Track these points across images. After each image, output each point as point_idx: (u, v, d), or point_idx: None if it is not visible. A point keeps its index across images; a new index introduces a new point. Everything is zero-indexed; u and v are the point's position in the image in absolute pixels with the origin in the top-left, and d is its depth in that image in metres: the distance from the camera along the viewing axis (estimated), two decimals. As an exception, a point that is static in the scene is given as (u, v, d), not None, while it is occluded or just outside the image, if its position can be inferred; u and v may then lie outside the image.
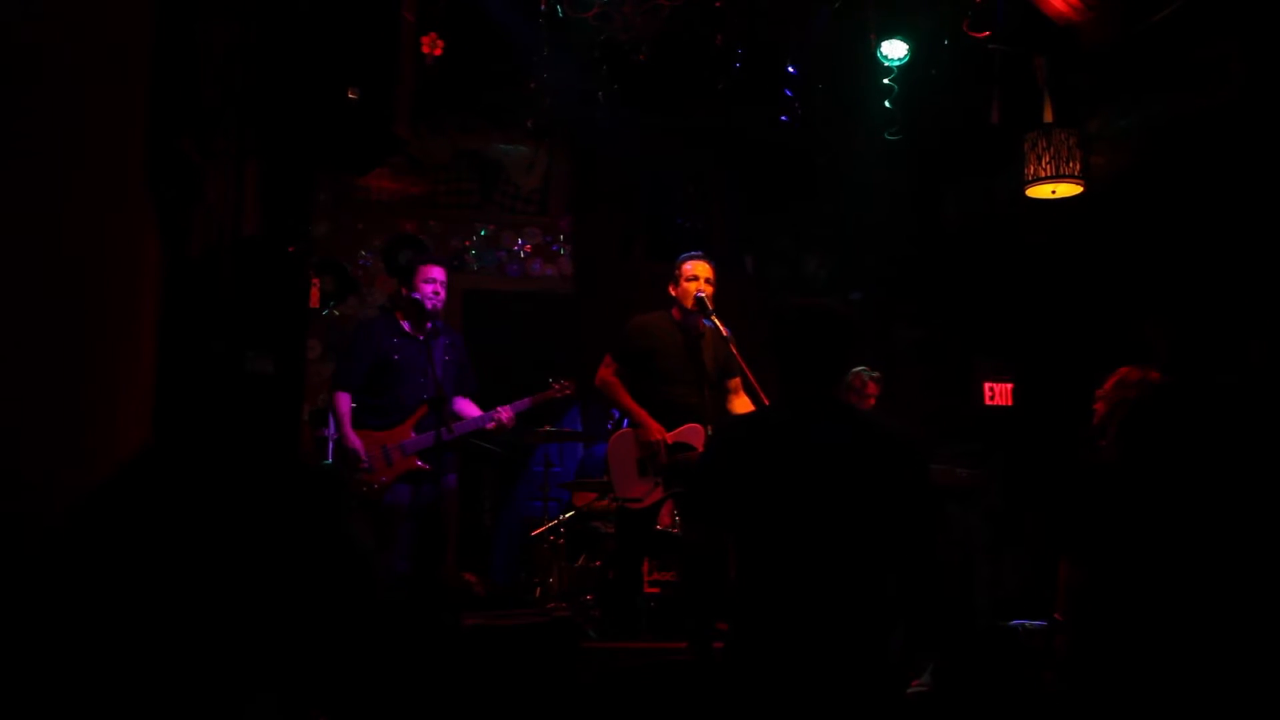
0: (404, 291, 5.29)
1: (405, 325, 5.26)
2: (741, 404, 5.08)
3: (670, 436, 4.92)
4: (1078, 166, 5.55)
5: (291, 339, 3.11)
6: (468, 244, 8.03)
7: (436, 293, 5.22)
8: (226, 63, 2.89)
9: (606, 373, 5.03)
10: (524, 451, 7.12)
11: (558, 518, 5.99)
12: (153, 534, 1.36)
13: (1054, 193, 5.68)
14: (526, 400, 5.38)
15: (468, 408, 5.39)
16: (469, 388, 5.45)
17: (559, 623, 3.87)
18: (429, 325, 5.26)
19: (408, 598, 4.54)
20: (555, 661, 3.74)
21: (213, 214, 2.79)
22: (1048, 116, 5.68)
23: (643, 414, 4.91)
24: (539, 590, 5.86)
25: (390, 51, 3.09)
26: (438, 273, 5.26)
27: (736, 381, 5.10)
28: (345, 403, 5.15)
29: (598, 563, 5.65)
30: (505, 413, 5.28)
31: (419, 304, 5.18)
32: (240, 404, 2.68)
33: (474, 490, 7.21)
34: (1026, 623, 4.07)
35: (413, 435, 5.12)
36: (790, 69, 6.83)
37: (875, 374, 6.06)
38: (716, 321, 4.91)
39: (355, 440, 5.04)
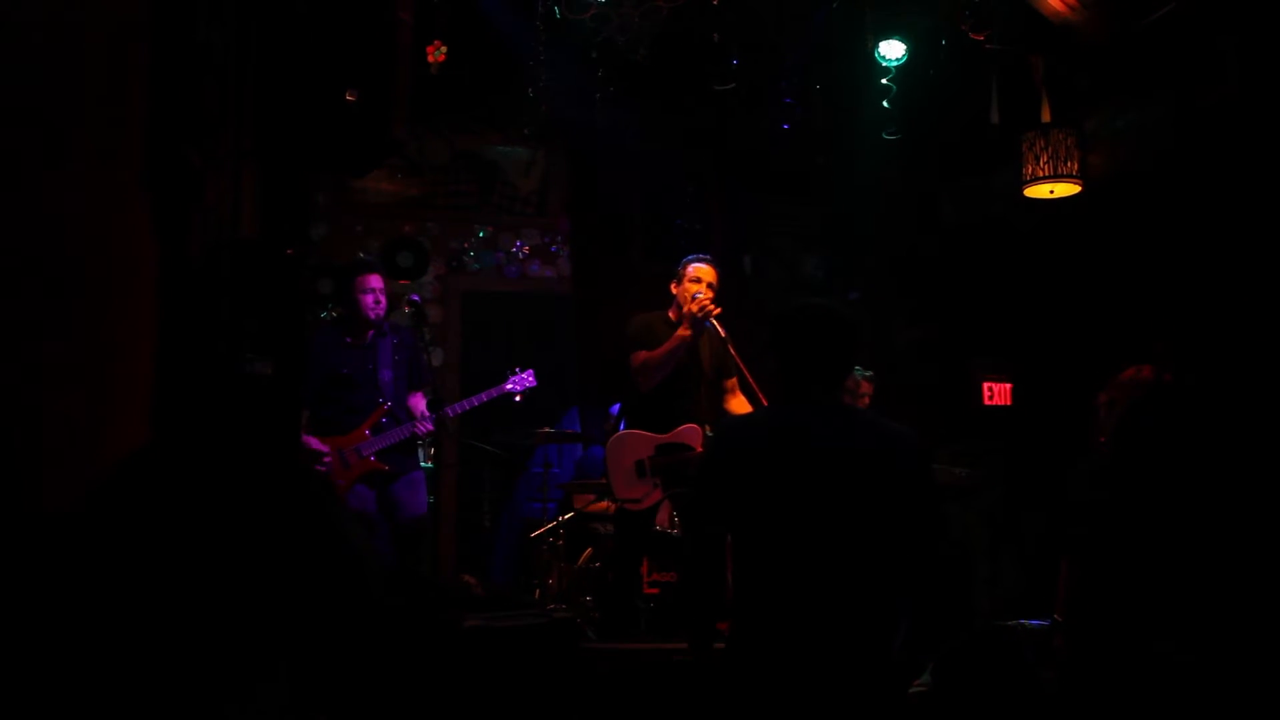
0: (344, 307, 5.25)
1: (348, 338, 5.24)
2: (738, 403, 5.09)
3: (668, 437, 4.93)
4: (1075, 166, 5.56)
5: (290, 341, 3.11)
6: (466, 245, 8.03)
7: (377, 301, 5.20)
8: (225, 65, 2.89)
9: (638, 357, 4.95)
10: (523, 453, 7.12)
11: (557, 519, 5.99)
12: (151, 533, 1.36)
13: (1052, 192, 5.69)
14: (477, 397, 5.34)
15: (419, 404, 5.38)
16: (423, 381, 5.42)
17: (559, 624, 3.86)
18: (371, 332, 5.26)
19: (404, 598, 4.54)
20: (555, 662, 3.74)
21: (211, 216, 2.79)
22: (1045, 116, 5.68)
23: (670, 340, 4.84)
24: (539, 591, 5.85)
25: (388, 53, 3.09)
26: (375, 281, 5.22)
27: (733, 381, 5.11)
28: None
29: (597, 564, 5.65)
30: (449, 412, 5.24)
31: (361, 316, 5.17)
32: (239, 406, 2.67)
33: (474, 491, 7.21)
34: (1026, 622, 4.07)
35: (368, 435, 5.11)
36: (788, 69, 6.83)
37: (869, 374, 6.06)
38: (715, 323, 4.91)
39: (313, 441, 5.04)
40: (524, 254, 8.13)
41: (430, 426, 5.21)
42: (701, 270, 5.00)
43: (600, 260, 8.07)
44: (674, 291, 5.06)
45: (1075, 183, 5.60)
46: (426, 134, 7.71)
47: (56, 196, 1.77)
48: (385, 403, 5.15)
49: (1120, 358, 3.86)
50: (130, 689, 1.24)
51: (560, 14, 5.44)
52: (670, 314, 5.08)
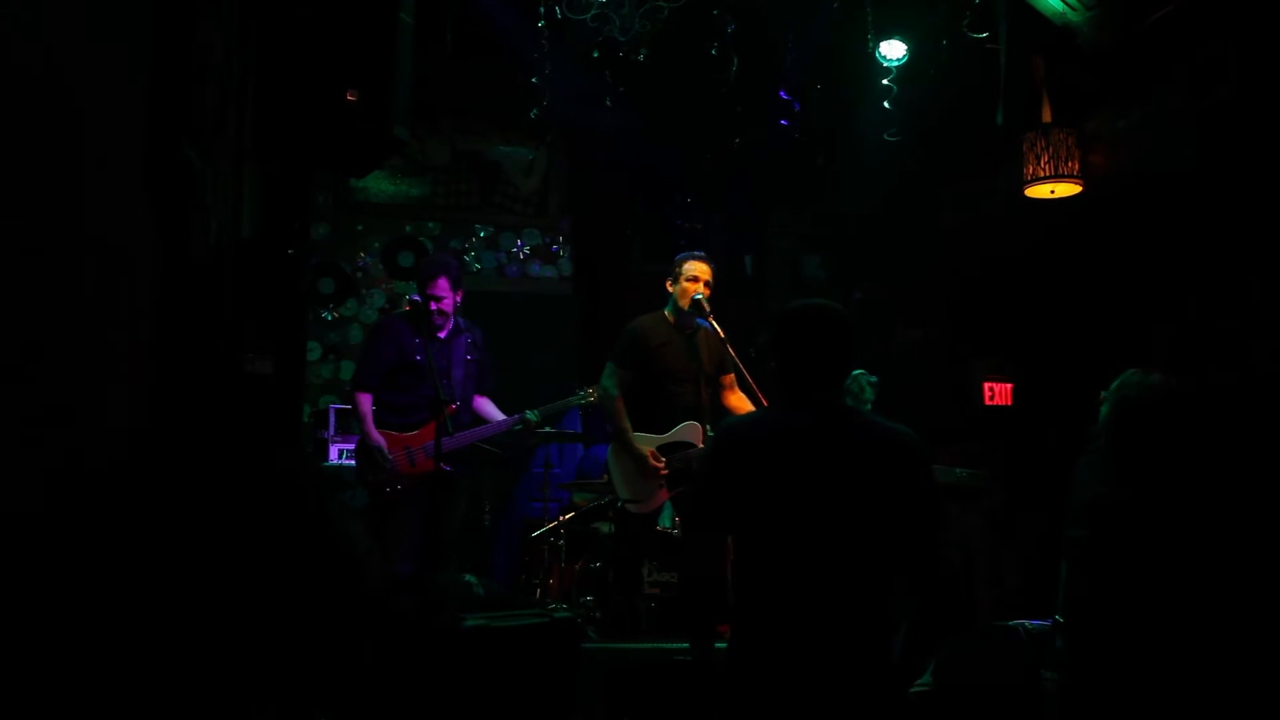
0: (419, 298, 5.24)
1: (424, 331, 5.21)
2: (737, 399, 5.12)
3: (668, 437, 4.95)
4: (1076, 166, 5.56)
5: (291, 340, 3.11)
6: (467, 245, 8.04)
7: (441, 310, 5.17)
8: (226, 65, 2.89)
9: (610, 384, 5.03)
10: (524, 453, 7.12)
11: (558, 519, 5.99)
12: (151, 535, 1.36)
13: (1053, 193, 5.69)
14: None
15: (488, 408, 5.39)
16: (488, 387, 5.44)
17: (559, 624, 3.85)
18: (449, 325, 5.25)
19: (409, 599, 4.54)
20: (555, 662, 3.74)
21: (212, 216, 2.79)
22: (1046, 116, 5.69)
23: (630, 438, 4.92)
24: (539, 591, 5.86)
25: (389, 53, 3.09)
26: (440, 289, 5.17)
27: (730, 377, 5.13)
28: (367, 402, 5.15)
29: (598, 564, 5.65)
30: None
31: (428, 317, 5.15)
32: (240, 405, 2.67)
33: (474, 491, 7.21)
34: (1026, 623, 4.07)
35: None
36: (789, 69, 6.83)
37: (873, 379, 6.07)
38: (714, 323, 4.93)
39: (379, 437, 5.05)
40: (525, 254, 8.14)
41: (514, 423, 5.25)
42: (698, 268, 5.01)
43: (601, 260, 8.08)
44: (670, 290, 5.07)
45: (1076, 183, 5.60)
46: (427, 134, 7.73)
47: (57, 195, 1.77)
48: (454, 404, 5.12)
49: (1121, 357, 3.86)
50: (129, 696, 1.23)
51: (562, 14, 5.44)
52: (667, 314, 5.08)
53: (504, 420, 5.30)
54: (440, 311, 5.16)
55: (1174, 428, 3.08)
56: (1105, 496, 3.10)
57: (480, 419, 5.35)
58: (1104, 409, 3.68)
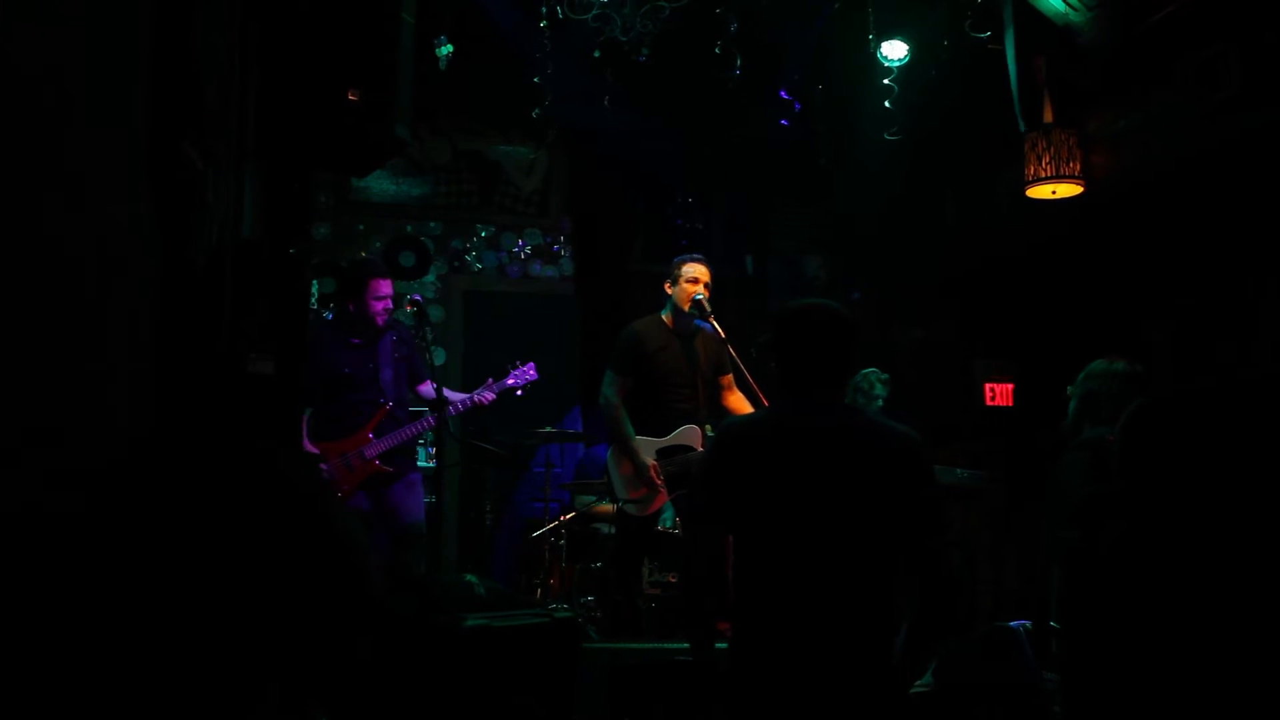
0: (350, 306, 5.14)
1: (353, 339, 5.16)
2: (736, 399, 5.11)
3: (667, 441, 4.94)
4: (1078, 167, 5.56)
5: (291, 341, 3.11)
6: (468, 245, 8.04)
7: (387, 309, 5.13)
8: (226, 64, 2.89)
9: (610, 392, 5.01)
10: (525, 452, 7.13)
11: (558, 519, 6.00)
12: (152, 534, 1.36)
13: (1054, 193, 5.69)
14: (481, 395, 5.31)
15: (428, 392, 5.35)
16: (421, 375, 5.39)
17: (560, 624, 3.86)
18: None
19: (405, 598, 4.54)
20: (556, 662, 3.74)
21: (212, 215, 2.79)
22: (1048, 117, 5.69)
23: (633, 446, 4.91)
24: (540, 591, 5.86)
25: (390, 53, 3.09)
26: (387, 287, 5.13)
27: (729, 378, 5.12)
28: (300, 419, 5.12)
29: (598, 564, 5.66)
30: (488, 395, 5.28)
31: (370, 321, 5.10)
32: (240, 405, 2.68)
33: (475, 491, 7.22)
34: (1027, 623, 4.07)
35: (371, 439, 5.07)
36: (790, 69, 6.83)
37: (884, 376, 6.08)
38: (715, 324, 4.92)
39: (311, 449, 4.99)
40: (526, 254, 8.14)
41: (492, 396, 5.24)
42: (697, 269, 5.00)
43: (602, 260, 8.08)
44: (669, 292, 5.06)
45: (1077, 183, 5.60)
46: (429, 133, 7.73)
47: (56, 196, 1.77)
48: (386, 404, 5.10)
49: (1122, 357, 3.86)
50: (127, 695, 1.23)
51: (563, 14, 5.44)
52: (665, 316, 5.07)
53: (464, 399, 5.26)
54: (387, 310, 5.11)
55: (1180, 429, 3.07)
56: (1100, 495, 3.10)
57: (418, 412, 5.30)
58: (1072, 405, 3.68)
